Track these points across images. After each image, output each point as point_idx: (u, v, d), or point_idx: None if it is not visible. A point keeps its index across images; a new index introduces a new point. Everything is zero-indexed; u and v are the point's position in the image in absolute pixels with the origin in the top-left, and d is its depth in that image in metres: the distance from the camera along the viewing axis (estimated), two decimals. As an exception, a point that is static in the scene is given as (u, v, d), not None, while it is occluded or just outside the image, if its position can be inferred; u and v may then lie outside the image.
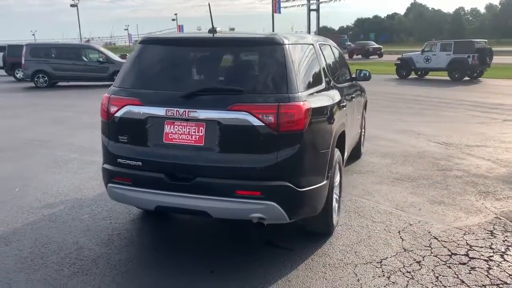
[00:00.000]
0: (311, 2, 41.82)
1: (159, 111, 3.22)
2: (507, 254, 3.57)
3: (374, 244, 3.76)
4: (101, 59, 18.90)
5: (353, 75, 5.80)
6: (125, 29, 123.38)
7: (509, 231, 4.01)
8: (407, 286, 3.11)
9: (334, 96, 3.96)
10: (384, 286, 3.10)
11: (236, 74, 3.35)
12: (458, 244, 3.75)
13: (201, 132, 3.16)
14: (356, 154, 6.48)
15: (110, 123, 3.46)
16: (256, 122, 3.03)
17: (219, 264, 3.44)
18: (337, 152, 3.85)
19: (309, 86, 3.49)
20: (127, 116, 3.35)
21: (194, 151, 3.18)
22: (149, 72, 3.47)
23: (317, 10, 40.34)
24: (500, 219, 4.31)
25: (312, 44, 3.98)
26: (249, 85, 3.19)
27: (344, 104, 4.25)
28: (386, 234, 3.95)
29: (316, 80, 3.74)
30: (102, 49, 19.98)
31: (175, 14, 73.29)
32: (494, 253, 3.60)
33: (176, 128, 3.22)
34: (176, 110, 3.16)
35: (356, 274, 3.27)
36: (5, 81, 23.81)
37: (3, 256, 3.58)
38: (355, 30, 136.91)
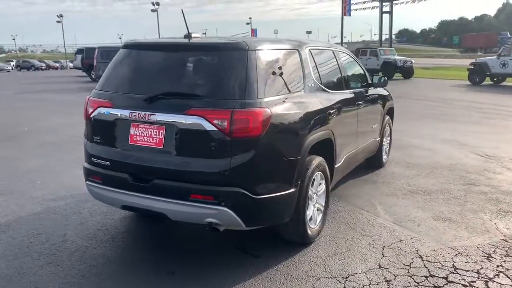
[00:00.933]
0: (384, 3, 40.42)
1: (125, 113, 3.33)
2: (493, 281, 3.23)
3: (349, 258, 3.57)
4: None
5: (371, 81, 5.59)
6: (203, 33, 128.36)
7: (511, 256, 3.63)
8: (362, 305, 2.94)
9: (316, 101, 3.83)
10: (337, 303, 2.96)
11: (197, 79, 3.36)
12: (442, 266, 3.46)
13: (161, 135, 3.21)
14: (376, 163, 6.20)
15: (88, 123, 3.63)
16: (209, 127, 3.03)
17: (183, 266, 3.46)
18: (316, 160, 3.72)
19: (280, 91, 3.41)
20: (100, 118, 3.50)
21: (154, 153, 3.25)
22: (124, 75, 3.59)
23: (390, 12, 38.84)
24: (507, 241, 3.91)
25: (297, 50, 3.88)
26: (208, 90, 3.19)
27: (333, 110, 4.09)
28: (368, 249, 3.74)
29: (293, 85, 3.64)
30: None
31: (250, 18, 74.72)
32: (478, 278, 3.27)
33: (140, 130, 3.30)
34: (138, 113, 3.25)
35: (314, 288, 3.14)
36: (83, 81, 25.76)
37: (-4, 242, 3.89)
38: (438, 32, 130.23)
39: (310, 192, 3.70)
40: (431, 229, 4.17)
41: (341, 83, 4.69)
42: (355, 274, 3.33)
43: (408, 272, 3.36)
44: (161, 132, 3.21)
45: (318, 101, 3.87)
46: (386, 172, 6.14)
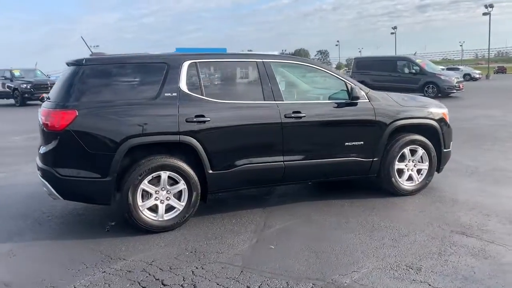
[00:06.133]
0: None
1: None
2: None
3: (145, 249, 3.97)
4: (413, 71, 19.08)
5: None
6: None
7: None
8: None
9: (170, 109, 4.27)
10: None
11: (58, 86, 4.44)
12: (179, 272, 3.41)
13: None
14: (387, 188, 5.31)
15: None
16: (42, 121, 4.29)
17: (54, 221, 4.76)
18: (156, 161, 4.20)
19: (106, 99, 4.23)
20: None
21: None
22: None
23: None
24: (314, 286, 3.26)
25: (165, 63, 4.41)
26: (55, 95, 4.33)
27: (207, 118, 4.34)
28: (175, 249, 3.96)
29: (135, 94, 4.36)
30: (418, 61, 19.96)
31: None
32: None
33: None
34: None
35: (105, 274, 3.54)
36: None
37: None
38: None
39: (147, 188, 4.22)
40: (274, 254, 3.83)
41: (260, 94, 4.69)
42: (120, 259, 3.78)
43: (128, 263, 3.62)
44: None
45: (173, 109, 4.28)
46: (385, 200, 5.16)
